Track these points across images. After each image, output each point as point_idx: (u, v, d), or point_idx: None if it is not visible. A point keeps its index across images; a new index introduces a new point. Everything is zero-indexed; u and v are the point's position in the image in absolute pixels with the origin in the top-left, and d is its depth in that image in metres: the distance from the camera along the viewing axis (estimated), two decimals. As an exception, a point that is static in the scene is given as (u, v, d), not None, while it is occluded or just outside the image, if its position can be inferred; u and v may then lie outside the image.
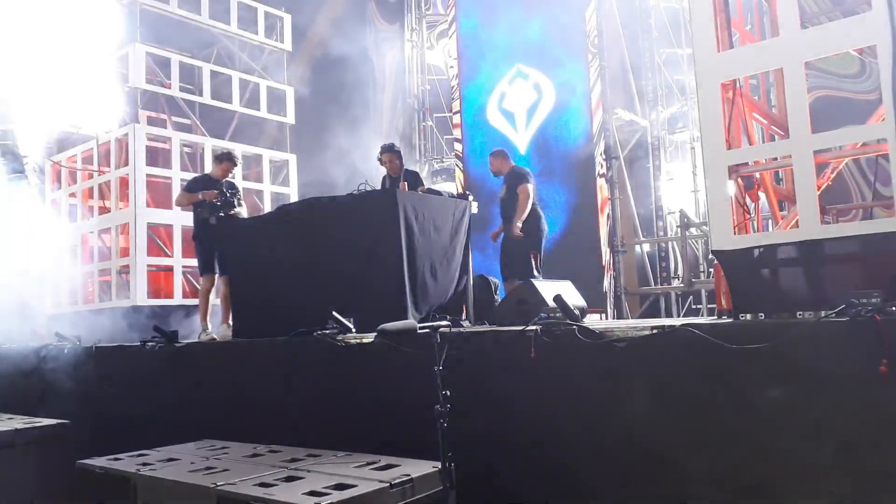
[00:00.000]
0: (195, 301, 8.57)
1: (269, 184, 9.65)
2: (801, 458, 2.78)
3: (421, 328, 3.92)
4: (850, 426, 2.70)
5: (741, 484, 2.91)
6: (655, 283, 8.89)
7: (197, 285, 8.99)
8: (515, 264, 6.26)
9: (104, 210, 8.70)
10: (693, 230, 8.57)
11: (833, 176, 4.75)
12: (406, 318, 4.11)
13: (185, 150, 9.13)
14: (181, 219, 8.50)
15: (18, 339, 7.81)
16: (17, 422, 4.93)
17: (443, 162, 11.70)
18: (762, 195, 4.36)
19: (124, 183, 8.41)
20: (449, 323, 3.98)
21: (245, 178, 9.52)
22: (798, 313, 3.25)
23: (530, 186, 6.30)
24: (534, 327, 3.50)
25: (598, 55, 9.18)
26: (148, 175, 8.36)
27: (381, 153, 6.50)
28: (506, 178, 6.48)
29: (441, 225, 5.43)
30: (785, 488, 2.81)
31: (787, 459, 2.81)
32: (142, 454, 3.70)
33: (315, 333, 4.35)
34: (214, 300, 6.49)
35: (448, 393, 3.62)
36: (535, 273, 6.14)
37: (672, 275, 8.83)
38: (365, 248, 5.00)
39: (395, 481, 2.87)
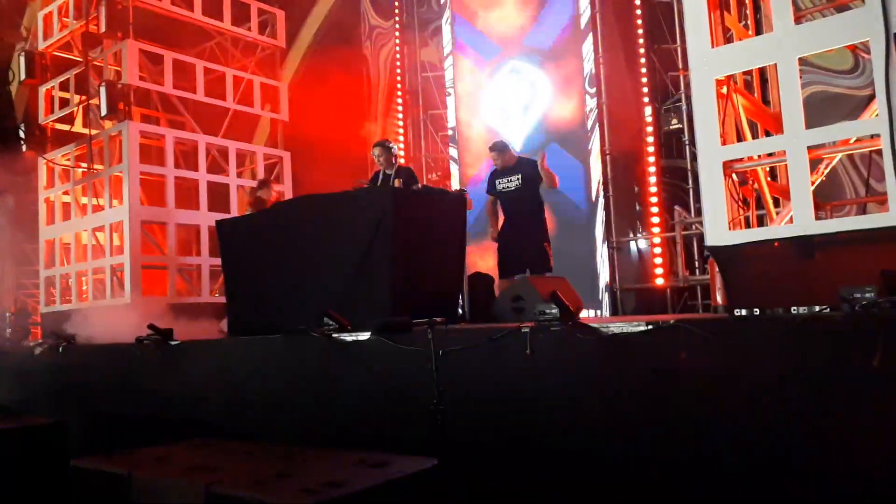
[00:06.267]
0: (190, 299, 8.57)
1: (264, 181, 9.62)
2: (795, 455, 2.78)
3: (416, 325, 3.93)
4: (845, 421, 2.70)
5: (737, 480, 2.91)
6: (651, 280, 8.90)
7: (190, 282, 9.00)
8: (533, 257, 6.11)
9: (98, 208, 8.67)
10: (688, 226, 8.58)
11: (827, 171, 4.76)
12: (401, 315, 4.10)
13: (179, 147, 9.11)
14: (175, 217, 8.49)
15: (13, 337, 7.79)
16: (11, 420, 4.91)
17: (437, 159, 11.69)
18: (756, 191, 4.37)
19: (118, 181, 8.39)
20: (444, 319, 3.99)
21: (239, 175, 9.51)
22: (793, 308, 3.25)
23: None
24: (529, 324, 3.50)
25: (593, 50, 9.17)
26: (141, 173, 8.34)
27: (373, 148, 6.54)
28: (518, 169, 6.30)
29: (435, 221, 5.42)
30: (780, 485, 2.81)
31: (781, 455, 2.81)
32: (135, 453, 3.68)
33: (311, 331, 4.34)
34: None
35: (443, 389, 3.63)
36: (551, 265, 6.11)
37: (667, 271, 8.83)
38: (360, 246, 4.99)
39: (390, 478, 2.86)
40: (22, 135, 9.26)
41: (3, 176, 8.61)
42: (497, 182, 6.39)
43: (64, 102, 9.36)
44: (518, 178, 6.25)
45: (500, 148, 6.43)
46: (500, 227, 6.43)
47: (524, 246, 6.19)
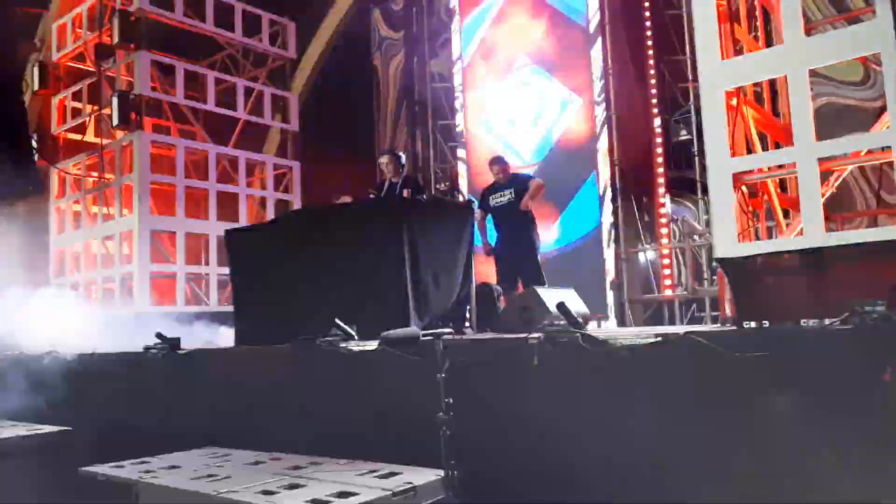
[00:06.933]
0: (198, 308, 8.60)
1: (273, 191, 9.68)
2: (804, 468, 2.76)
3: (424, 335, 3.93)
4: (854, 435, 2.68)
5: (743, 493, 2.89)
6: (659, 291, 8.86)
7: (199, 292, 9.03)
8: (528, 271, 6.20)
9: (108, 217, 8.72)
10: (697, 237, 8.56)
11: (837, 183, 4.74)
12: (409, 326, 4.10)
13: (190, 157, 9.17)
14: (185, 226, 8.54)
15: (23, 345, 7.82)
16: (20, 429, 4.93)
17: (446, 168, 11.71)
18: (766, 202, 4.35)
19: (128, 190, 8.44)
20: (452, 330, 3.98)
21: (248, 185, 9.56)
22: (802, 321, 3.23)
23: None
24: (537, 335, 3.49)
25: (602, 61, 9.19)
26: (152, 182, 8.39)
27: (380, 157, 6.59)
28: (511, 184, 6.42)
29: (444, 232, 5.42)
30: (787, 498, 2.79)
31: (790, 469, 2.79)
32: (144, 461, 3.69)
33: (318, 341, 4.34)
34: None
35: (451, 400, 3.62)
36: (544, 280, 6.14)
37: (675, 282, 8.81)
38: (368, 256, 5.00)
39: (398, 489, 2.86)
40: (34, 144, 9.34)
41: (15, 185, 8.67)
42: (490, 198, 6.51)
43: (76, 112, 9.45)
44: (511, 193, 6.35)
45: (501, 161, 6.60)
46: (493, 242, 6.51)
47: (519, 259, 6.27)
